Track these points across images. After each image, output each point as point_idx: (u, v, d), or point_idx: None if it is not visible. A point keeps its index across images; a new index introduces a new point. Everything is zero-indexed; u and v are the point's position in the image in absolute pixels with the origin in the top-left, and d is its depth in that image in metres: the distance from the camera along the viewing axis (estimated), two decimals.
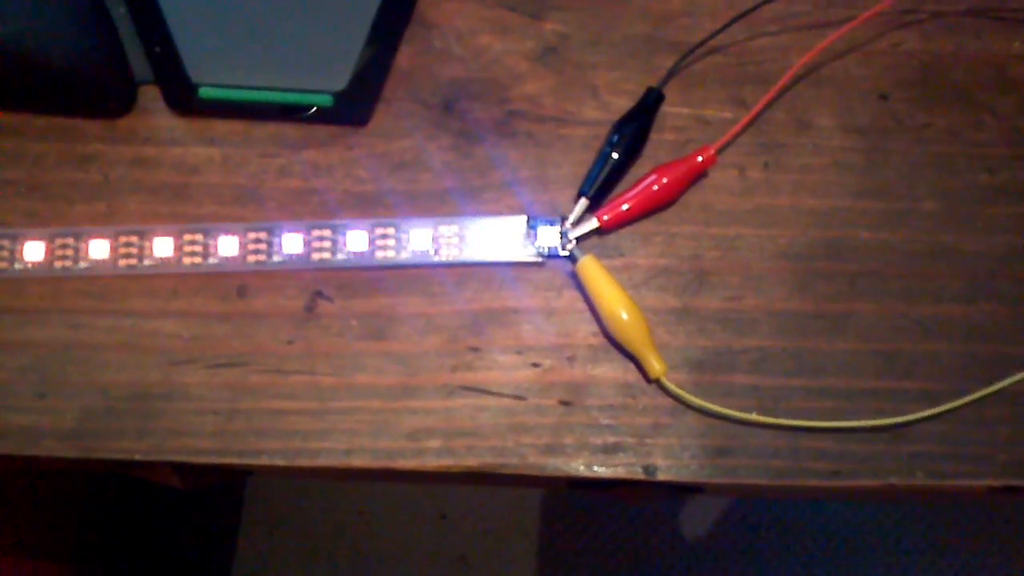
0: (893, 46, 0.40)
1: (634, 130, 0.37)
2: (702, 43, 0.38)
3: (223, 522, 0.94)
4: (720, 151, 0.37)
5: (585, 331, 0.36)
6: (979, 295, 0.36)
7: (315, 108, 0.37)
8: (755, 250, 0.37)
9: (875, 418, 0.34)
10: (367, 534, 0.96)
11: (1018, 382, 0.35)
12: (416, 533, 0.97)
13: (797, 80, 0.38)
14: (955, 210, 0.37)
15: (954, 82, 0.39)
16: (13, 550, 0.55)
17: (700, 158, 0.36)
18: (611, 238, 0.37)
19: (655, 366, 0.34)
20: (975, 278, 0.36)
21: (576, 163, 0.38)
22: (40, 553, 0.58)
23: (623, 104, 0.38)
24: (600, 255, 0.36)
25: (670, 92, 0.38)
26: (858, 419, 0.34)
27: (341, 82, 0.37)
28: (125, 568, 0.71)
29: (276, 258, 0.36)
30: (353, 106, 0.38)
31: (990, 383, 0.34)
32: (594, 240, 0.37)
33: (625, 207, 0.36)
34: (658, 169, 0.36)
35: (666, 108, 0.38)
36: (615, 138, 0.37)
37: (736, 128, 0.37)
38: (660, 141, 0.38)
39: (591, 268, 0.35)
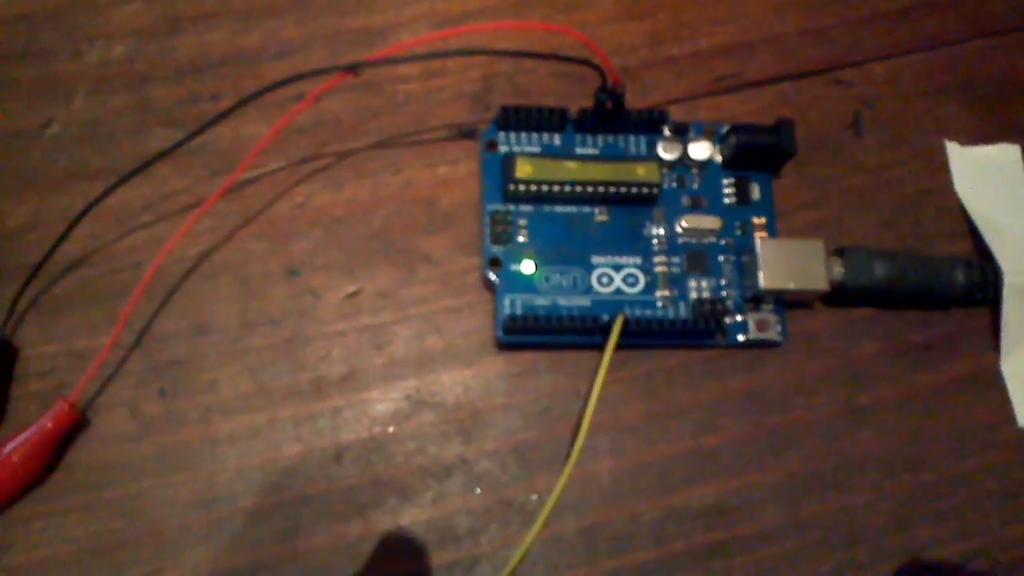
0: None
1: None
2: (44, 260, 0.30)
3: None
4: (92, 398, 0.29)
5: None
6: None
7: None
8: (164, 504, 0.29)
9: None
10: None
11: None
12: None
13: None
14: None
15: None
16: None
17: (49, 424, 0.29)
18: None
19: None
20: None
21: None
22: None
23: None
24: None
25: (27, 330, 0.30)
26: None
27: None
28: None
29: None
30: None
31: None
32: None
33: None
34: (3, 445, 0.28)
35: (27, 352, 0.30)
36: None
37: (95, 364, 0.28)
38: (25, 397, 0.30)
39: None
